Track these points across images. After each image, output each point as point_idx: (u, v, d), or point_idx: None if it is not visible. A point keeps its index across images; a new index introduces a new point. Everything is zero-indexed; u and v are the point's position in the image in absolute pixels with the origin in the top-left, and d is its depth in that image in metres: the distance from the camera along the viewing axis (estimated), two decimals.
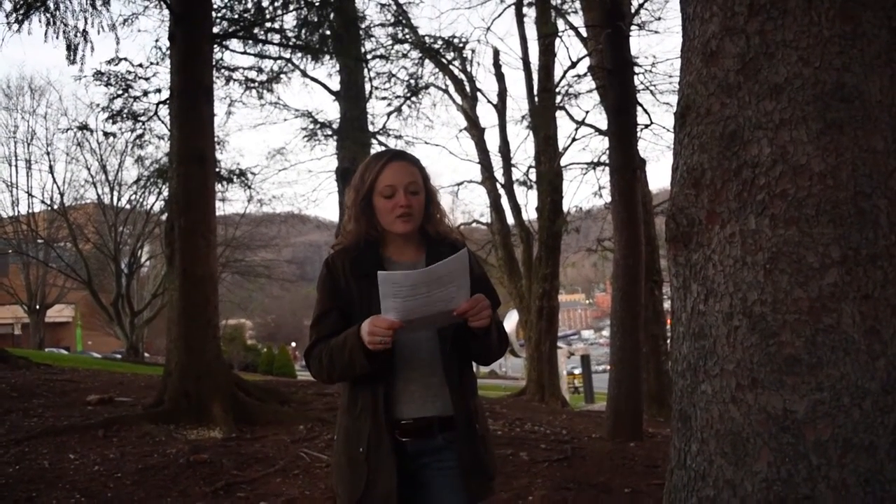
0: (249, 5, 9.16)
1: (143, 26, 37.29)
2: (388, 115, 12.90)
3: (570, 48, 41.52)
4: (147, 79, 9.94)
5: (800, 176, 1.46)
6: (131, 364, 18.71)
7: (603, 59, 8.47)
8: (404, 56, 12.14)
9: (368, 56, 11.33)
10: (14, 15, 7.24)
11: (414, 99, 12.82)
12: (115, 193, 25.42)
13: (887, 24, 1.48)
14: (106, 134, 11.73)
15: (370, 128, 11.95)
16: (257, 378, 14.89)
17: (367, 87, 11.75)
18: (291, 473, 5.15)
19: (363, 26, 10.60)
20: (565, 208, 14.46)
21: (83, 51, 7.71)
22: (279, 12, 9.14)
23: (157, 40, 10.21)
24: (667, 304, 12.67)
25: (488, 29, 16.37)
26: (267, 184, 23.35)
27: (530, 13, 14.55)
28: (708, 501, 1.52)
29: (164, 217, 13.30)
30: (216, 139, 8.86)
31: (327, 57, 10.16)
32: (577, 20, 13.89)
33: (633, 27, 9.88)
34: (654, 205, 13.35)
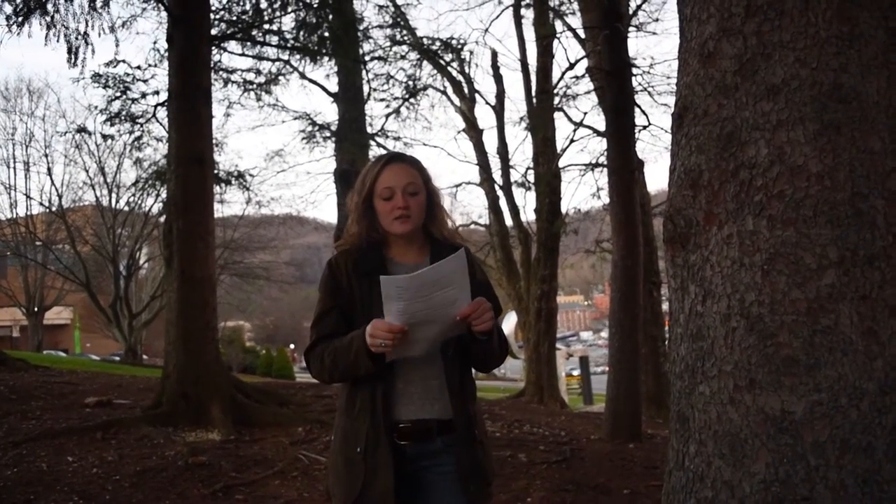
0: (247, 7, 9.17)
1: (141, 28, 37.29)
2: (387, 116, 12.90)
3: (569, 49, 41.49)
4: (145, 81, 9.95)
5: (797, 177, 1.46)
6: (130, 366, 18.70)
7: (601, 61, 8.48)
8: (402, 57, 12.15)
9: (367, 57, 11.33)
10: (14, 18, 7.24)
11: (412, 100, 12.82)
12: (114, 195, 25.46)
13: (884, 24, 1.48)
14: (104, 136, 11.74)
15: (369, 129, 11.95)
16: (256, 380, 14.89)
17: (366, 88, 11.75)
18: (290, 475, 5.15)
19: (361, 28, 10.60)
20: (564, 210, 14.48)
21: (84, 53, 7.72)
22: (277, 14, 9.15)
23: (155, 42, 10.24)
24: (665, 306, 12.66)
25: (486, 30, 16.55)
26: (265, 186, 23.39)
27: (528, 15, 14.58)
28: (706, 503, 1.52)
29: (162, 219, 13.30)
30: (214, 141, 8.87)
31: (325, 58, 10.16)
32: (576, 21, 13.93)
33: (630, 28, 9.90)
34: (653, 206, 13.37)
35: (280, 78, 11.22)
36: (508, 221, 16.22)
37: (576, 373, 23.60)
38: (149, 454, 5.50)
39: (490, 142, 16.39)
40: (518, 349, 18.68)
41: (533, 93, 14.63)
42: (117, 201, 25.36)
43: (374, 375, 1.89)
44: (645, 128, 11.21)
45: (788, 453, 1.42)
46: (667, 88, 12.79)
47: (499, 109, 16.15)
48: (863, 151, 1.44)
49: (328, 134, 12.15)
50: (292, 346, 43.58)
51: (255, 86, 11.05)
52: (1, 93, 26.48)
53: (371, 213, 2.05)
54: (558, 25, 13.42)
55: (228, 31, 9.21)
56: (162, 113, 9.58)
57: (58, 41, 7.54)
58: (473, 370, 2.08)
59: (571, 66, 12.41)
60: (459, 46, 12.62)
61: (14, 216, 26.80)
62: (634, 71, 10.28)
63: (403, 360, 1.92)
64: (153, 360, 26.64)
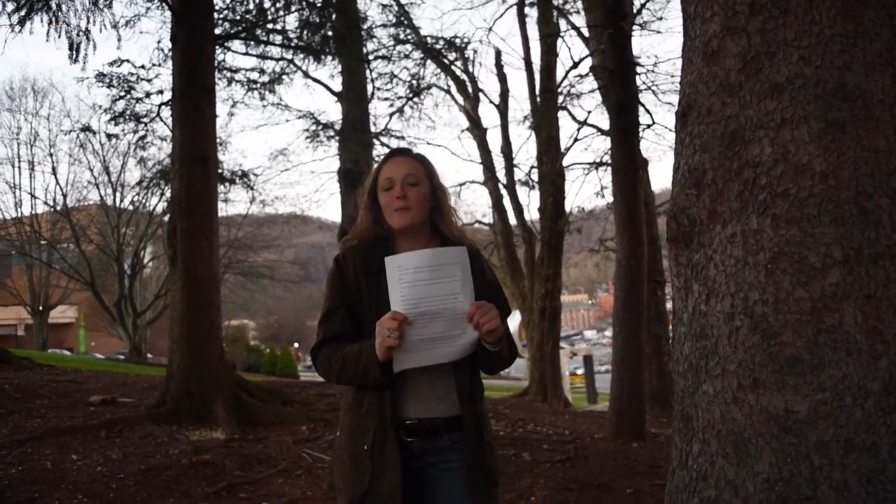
0: (251, 6, 9.18)
1: (145, 28, 37.33)
2: (391, 115, 12.89)
3: (573, 48, 41.49)
4: (149, 80, 9.96)
5: (801, 175, 1.45)
6: (134, 365, 18.75)
7: (605, 59, 8.46)
8: (406, 57, 12.14)
9: (370, 57, 11.32)
10: (16, 15, 7.25)
11: (416, 99, 12.81)
12: (118, 195, 25.50)
13: (889, 22, 1.47)
14: (109, 135, 11.73)
15: (372, 128, 11.93)
16: (260, 379, 14.91)
17: (370, 87, 11.73)
18: (294, 474, 5.16)
19: (365, 27, 10.60)
20: (567, 208, 14.47)
21: (85, 50, 7.72)
22: (281, 13, 9.16)
23: (159, 42, 10.24)
24: (669, 305, 12.65)
25: (490, 29, 16.61)
26: (269, 185, 23.45)
27: (532, 13, 14.56)
28: (709, 502, 1.52)
29: (166, 218, 13.33)
30: (218, 140, 8.86)
31: (329, 58, 10.16)
32: (579, 20, 13.91)
33: (634, 27, 9.87)
34: (657, 205, 13.34)
35: (284, 77, 11.22)
36: (512, 220, 16.22)
37: (580, 372, 23.59)
38: (153, 452, 5.52)
39: (494, 140, 16.33)
40: (522, 348, 18.68)
41: (537, 91, 14.60)
42: (122, 200, 25.43)
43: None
44: (649, 126, 11.16)
45: (792, 453, 1.41)
46: (671, 87, 12.77)
47: (503, 108, 16.14)
48: (867, 150, 1.43)
49: (332, 133, 12.14)
50: (296, 344, 43.67)
51: (258, 85, 11.05)
52: (6, 92, 26.66)
53: (377, 208, 2.06)
54: (562, 24, 13.41)
55: (232, 31, 9.22)
56: (166, 112, 9.61)
57: (59, 38, 7.55)
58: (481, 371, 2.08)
59: (575, 65, 12.36)
60: (463, 45, 12.60)
61: (19, 215, 26.90)
62: (638, 69, 10.27)
63: None
64: (157, 359, 26.73)
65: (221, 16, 9.01)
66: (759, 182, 1.48)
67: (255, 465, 5.34)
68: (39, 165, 33.21)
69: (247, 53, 10.25)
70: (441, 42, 12.24)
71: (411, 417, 1.93)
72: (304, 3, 8.98)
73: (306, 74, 11.70)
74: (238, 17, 9.29)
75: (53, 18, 7.46)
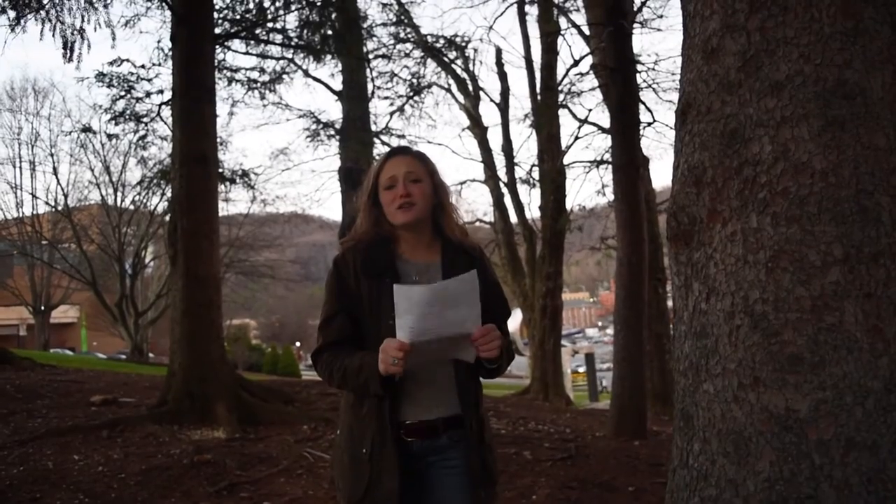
0: (251, 6, 9.17)
1: (144, 27, 37.36)
2: (391, 114, 12.93)
3: (573, 46, 41.45)
4: (149, 80, 9.98)
5: (801, 174, 1.45)
6: (135, 364, 18.76)
7: (605, 57, 8.45)
8: (406, 55, 12.17)
9: (371, 56, 11.34)
10: (11, 12, 7.23)
11: (416, 98, 12.84)
12: (119, 194, 25.51)
13: (889, 20, 1.47)
14: (109, 135, 11.76)
15: (373, 127, 11.95)
16: (261, 378, 14.92)
17: (370, 86, 11.74)
18: (295, 473, 5.16)
19: (365, 26, 10.61)
20: (568, 207, 14.48)
21: (80, 49, 7.67)
22: (281, 12, 9.15)
23: (159, 41, 10.25)
24: (670, 303, 12.64)
25: (490, 27, 16.64)
26: (270, 184, 23.46)
27: (532, 11, 14.58)
28: (710, 501, 1.52)
29: (167, 218, 13.33)
30: (219, 140, 8.87)
31: (329, 57, 10.17)
32: (580, 18, 13.92)
33: (635, 25, 9.86)
34: (658, 202, 13.33)
35: (284, 76, 11.24)
36: (513, 218, 16.23)
37: (581, 370, 23.62)
38: (154, 452, 5.52)
39: (495, 139, 16.36)
40: (523, 346, 18.69)
41: (537, 90, 14.61)
42: (123, 200, 25.46)
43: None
44: (650, 124, 11.18)
45: (793, 451, 1.41)
46: (671, 85, 12.77)
47: (503, 106, 16.14)
48: (867, 148, 1.43)
49: (332, 132, 12.15)
50: (298, 343, 43.68)
51: (259, 84, 11.06)
52: (6, 92, 26.69)
53: (377, 208, 2.04)
54: (562, 22, 13.43)
55: (232, 30, 9.21)
56: (166, 112, 9.61)
57: (53, 37, 7.52)
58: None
59: (576, 63, 12.38)
60: (463, 44, 12.64)
61: (20, 215, 26.95)
62: (639, 68, 10.28)
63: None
64: (159, 359, 26.73)
65: (221, 15, 9.01)
66: (759, 180, 1.48)
67: (257, 465, 5.34)
68: (40, 165, 33.21)
69: (247, 53, 10.28)
70: (441, 41, 12.26)
71: (411, 419, 1.94)
72: (304, 3, 8.98)
73: (306, 73, 11.72)
74: (238, 17, 9.29)
75: (46, 17, 7.44)
